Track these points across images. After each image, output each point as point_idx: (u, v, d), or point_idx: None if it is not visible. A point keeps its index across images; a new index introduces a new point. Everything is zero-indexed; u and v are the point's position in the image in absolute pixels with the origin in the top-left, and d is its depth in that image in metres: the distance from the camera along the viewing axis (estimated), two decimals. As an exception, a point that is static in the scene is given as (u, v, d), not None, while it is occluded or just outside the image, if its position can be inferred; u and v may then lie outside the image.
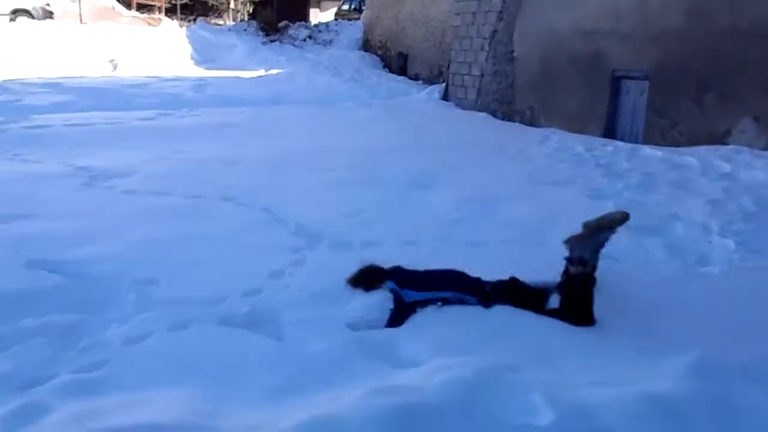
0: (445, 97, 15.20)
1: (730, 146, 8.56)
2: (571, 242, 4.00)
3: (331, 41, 23.84)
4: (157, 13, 34.74)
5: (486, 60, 13.59)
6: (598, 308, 3.99)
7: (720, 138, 8.79)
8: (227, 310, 3.90)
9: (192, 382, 3.07)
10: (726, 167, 7.91)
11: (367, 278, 4.02)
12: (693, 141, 9.05)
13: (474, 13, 13.93)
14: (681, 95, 9.37)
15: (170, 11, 36.81)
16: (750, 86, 8.44)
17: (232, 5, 42.18)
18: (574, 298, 3.86)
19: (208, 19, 36.00)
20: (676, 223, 5.97)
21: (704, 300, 4.31)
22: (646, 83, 10.00)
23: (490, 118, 12.94)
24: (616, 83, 10.64)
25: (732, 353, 3.41)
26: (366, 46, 22.84)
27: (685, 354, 3.45)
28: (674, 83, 9.46)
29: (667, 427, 2.67)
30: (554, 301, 3.93)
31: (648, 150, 9.08)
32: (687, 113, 9.30)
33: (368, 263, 4.09)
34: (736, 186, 7.20)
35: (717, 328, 3.84)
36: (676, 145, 9.22)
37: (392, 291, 3.98)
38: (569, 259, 3.96)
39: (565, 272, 3.95)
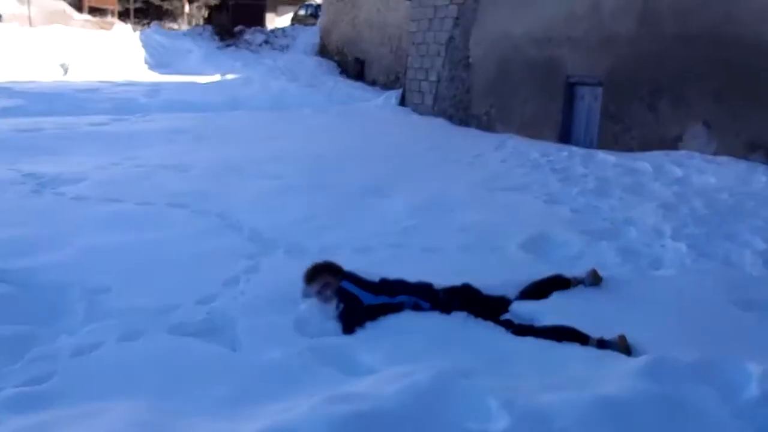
0: (402, 102, 15.26)
1: (682, 151, 8.76)
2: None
3: (287, 46, 23.75)
4: (110, 16, 34.21)
5: (442, 66, 13.68)
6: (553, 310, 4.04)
7: (672, 143, 8.98)
8: (180, 318, 3.82)
9: (143, 393, 3.00)
10: (678, 172, 8.09)
11: (325, 271, 4.07)
12: (646, 146, 9.23)
13: (430, 19, 14.01)
14: (634, 101, 9.55)
15: (123, 15, 36.27)
16: (700, 92, 8.65)
17: (187, 9, 41.69)
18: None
19: (163, 23, 35.50)
20: (629, 227, 6.07)
21: (657, 302, 4.37)
22: (600, 89, 10.18)
23: (446, 123, 13.02)
24: (570, 89, 10.80)
25: (684, 354, 3.47)
26: (323, 51, 22.81)
27: (637, 356, 3.52)
28: (627, 89, 9.64)
29: (620, 429, 2.70)
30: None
31: (602, 155, 9.23)
32: (640, 118, 9.48)
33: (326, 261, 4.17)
34: (688, 190, 7.37)
35: (669, 329, 3.90)
36: (630, 150, 9.39)
37: (347, 291, 3.98)
38: None
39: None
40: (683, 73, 8.84)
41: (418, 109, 14.40)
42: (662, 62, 9.11)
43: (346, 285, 4.05)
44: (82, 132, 10.67)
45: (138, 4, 40.05)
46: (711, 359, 3.42)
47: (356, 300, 3.93)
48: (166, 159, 8.77)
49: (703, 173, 7.90)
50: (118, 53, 21.19)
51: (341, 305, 3.94)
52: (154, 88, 16.42)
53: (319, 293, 4.03)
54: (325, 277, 4.08)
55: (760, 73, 7.92)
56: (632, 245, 5.61)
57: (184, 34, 25.92)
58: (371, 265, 4.75)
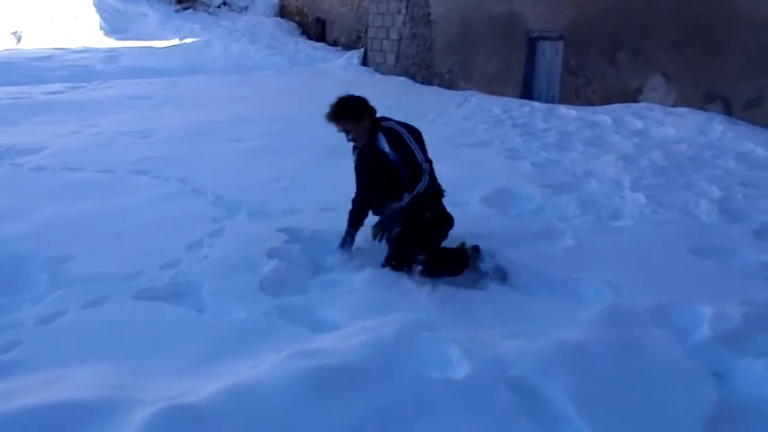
0: (365, 62, 15.16)
1: (642, 103, 8.88)
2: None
3: (246, 8, 23.31)
4: (62, -19, 33.12)
5: (403, 23, 13.59)
6: (516, 263, 4.13)
7: (632, 96, 9.09)
8: (145, 283, 3.82)
9: (110, 357, 3.02)
10: (638, 124, 8.21)
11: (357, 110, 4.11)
12: (607, 99, 9.33)
13: (390, -24, 13.87)
14: (594, 55, 9.62)
15: (76, -21, 35.17)
16: (660, 44, 8.74)
17: (142, -28, 40.59)
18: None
19: (117, -14, 34.53)
20: (590, 180, 6.17)
21: (616, 252, 4.49)
22: (561, 44, 10.22)
23: (409, 82, 12.98)
24: (531, 44, 10.83)
25: (641, 300, 3.58)
26: (283, 12, 22.45)
27: (596, 303, 3.63)
28: (587, 43, 9.70)
29: (578, 372, 2.79)
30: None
31: (563, 109, 9.32)
32: (600, 72, 9.56)
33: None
34: (648, 142, 7.49)
35: (627, 278, 4.01)
36: (591, 103, 9.49)
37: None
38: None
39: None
40: (643, 25, 8.91)
41: (381, 69, 14.32)
42: (622, 15, 9.17)
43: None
44: (37, 101, 10.44)
45: (91, -32, 38.82)
46: (665, 303, 3.55)
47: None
48: (127, 126, 8.65)
49: (662, 125, 8.03)
50: (72, 19, 20.63)
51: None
52: (112, 54, 16.07)
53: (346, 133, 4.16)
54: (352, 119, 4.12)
55: (716, 26, 8.02)
56: (592, 197, 5.71)
57: (140, -3, 25.24)
58: (335, 224, 4.79)
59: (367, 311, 3.27)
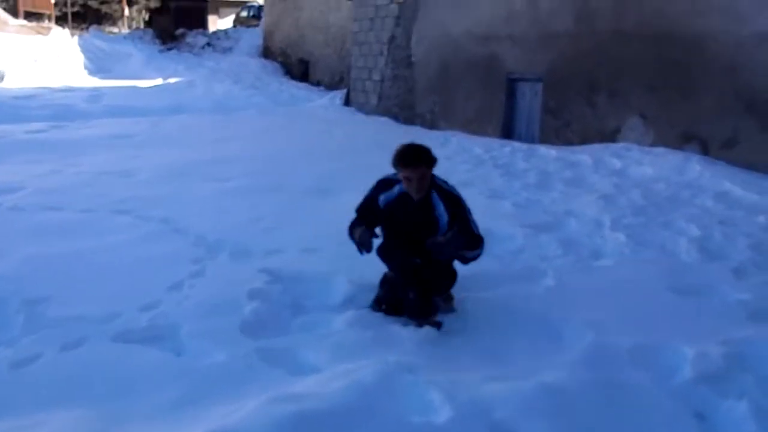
0: (347, 102, 15.30)
1: (621, 143, 9.00)
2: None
3: (230, 48, 23.56)
4: (47, 21, 33.32)
5: (385, 65, 13.76)
6: (497, 304, 4.13)
7: (610, 136, 9.22)
8: (123, 325, 3.77)
9: (85, 401, 2.96)
10: (617, 164, 8.31)
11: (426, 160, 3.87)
12: (586, 139, 9.46)
13: (372, 18, 14.08)
14: (573, 96, 9.77)
15: (61, 19, 35.36)
16: (636, 86, 8.90)
17: (126, 13, 40.90)
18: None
19: (102, 27, 34.78)
20: (570, 219, 6.21)
21: (597, 292, 4.50)
22: (540, 85, 10.38)
23: (391, 122, 13.09)
24: (511, 86, 10.99)
25: (621, 341, 3.59)
26: (266, 53, 22.68)
27: (578, 344, 3.62)
28: (566, 85, 9.86)
29: (561, 414, 2.78)
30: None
31: (543, 150, 9.42)
32: (579, 113, 9.70)
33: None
34: (627, 182, 7.58)
35: (608, 318, 4.02)
36: (570, 143, 9.61)
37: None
38: None
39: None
40: (619, 68, 9.09)
41: (363, 109, 14.45)
42: (599, 58, 9.34)
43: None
44: (18, 140, 10.40)
45: (76, 8, 39.15)
46: (647, 344, 3.55)
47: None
48: (109, 165, 8.62)
49: (640, 164, 8.13)
50: (56, 59, 20.71)
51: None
52: (95, 94, 16.10)
53: (419, 180, 3.84)
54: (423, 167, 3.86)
55: (690, 67, 8.19)
56: (573, 237, 5.75)
57: (125, 37, 25.51)
58: (318, 264, 4.78)
59: (348, 354, 3.24)
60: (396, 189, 3.97)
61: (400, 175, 3.85)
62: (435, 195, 3.90)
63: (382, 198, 4.02)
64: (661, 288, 4.56)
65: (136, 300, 4.11)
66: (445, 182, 4.02)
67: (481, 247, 3.90)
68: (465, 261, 3.95)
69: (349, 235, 4.07)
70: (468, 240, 3.78)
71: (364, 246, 3.91)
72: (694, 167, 7.72)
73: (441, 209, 3.87)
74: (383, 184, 4.05)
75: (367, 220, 4.04)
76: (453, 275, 4.03)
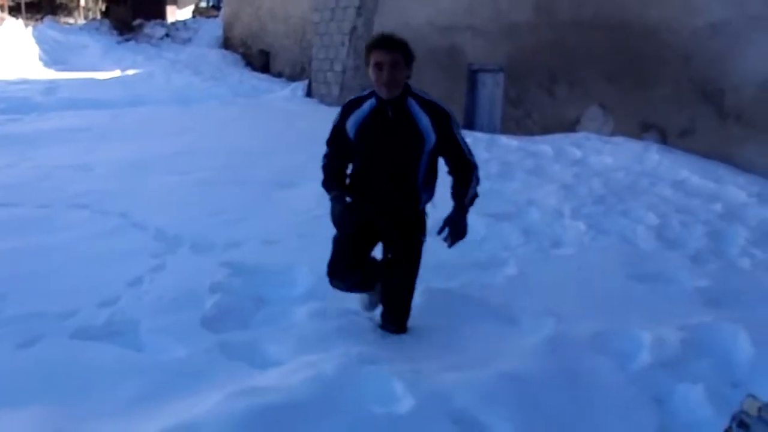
0: (309, 93, 15.22)
1: (581, 133, 9.09)
2: None
3: (190, 39, 23.21)
4: (0, 12, 32.50)
5: (347, 56, 13.70)
6: (458, 293, 4.15)
7: (571, 126, 9.31)
8: (81, 322, 3.70)
9: (43, 399, 2.90)
10: (577, 153, 8.40)
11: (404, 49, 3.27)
12: (546, 129, 9.54)
13: (333, 9, 14.01)
14: (533, 86, 9.84)
15: (14, 10, 34.52)
16: (595, 75, 9.00)
17: (82, 3, 40.08)
18: None
19: (57, 17, 34.02)
20: (532, 209, 6.27)
21: (557, 280, 4.56)
22: (501, 75, 10.43)
23: (354, 113, 13.04)
24: (472, 76, 11.02)
25: (582, 327, 3.63)
26: (227, 44, 22.41)
27: (539, 332, 3.66)
28: (527, 75, 9.92)
29: (523, 402, 2.80)
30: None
31: (505, 140, 9.47)
32: (539, 103, 9.78)
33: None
34: (587, 171, 7.67)
35: (568, 305, 4.08)
36: (531, 133, 9.69)
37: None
38: None
39: None
40: (578, 58, 9.17)
41: (325, 100, 14.38)
42: (558, 49, 9.42)
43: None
44: (-29, 134, 10.14)
45: (30, -2, 38.22)
46: (606, 331, 3.60)
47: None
48: (66, 159, 8.45)
49: (600, 153, 8.24)
50: (9, 50, 20.19)
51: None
52: (51, 86, 15.74)
53: (391, 67, 3.20)
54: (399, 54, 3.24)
55: (647, 57, 8.30)
56: (534, 226, 5.80)
57: (81, 28, 24.97)
58: (279, 256, 4.76)
59: (310, 346, 3.23)
60: (366, 105, 3.35)
61: (371, 65, 3.24)
62: (413, 102, 3.29)
63: (351, 122, 3.36)
64: (620, 275, 4.63)
65: (95, 296, 4.04)
66: (426, 93, 3.40)
67: (477, 179, 3.51)
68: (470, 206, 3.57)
69: (324, 183, 3.55)
70: (468, 184, 3.46)
71: (341, 228, 3.44)
72: (653, 156, 7.84)
73: (425, 123, 3.27)
74: (350, 105, 3.41)
75: (339, 153, 3.50)
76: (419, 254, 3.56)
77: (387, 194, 3.43)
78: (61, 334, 3.57)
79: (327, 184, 3.54)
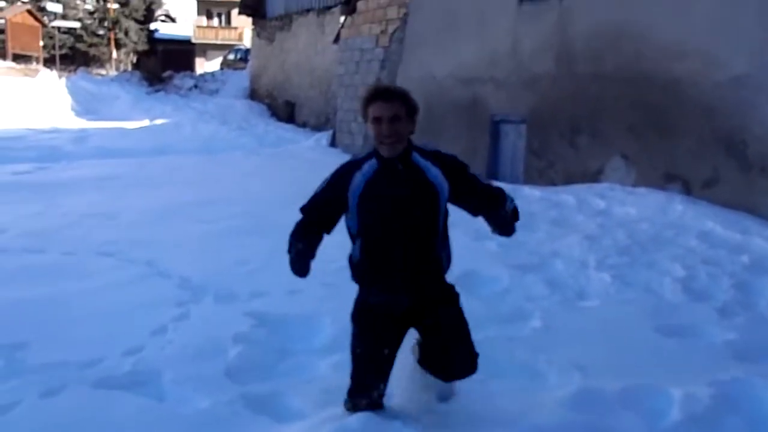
0: (333, 143, 15.37)
1: (604, 183, 9.05)
2: None
3: (217, 90, 23.72)
4: (35, 63, 33.50)
5: (371, 107, 13.88)
6: (483, 346, 4.10)
7: (594, 176, 9.28)
8: (105, 371, 3.71)
9: (65, 450, 2.91)
10: (601, 204, 8.35)
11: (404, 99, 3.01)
12: (569, 179, 9.52)
13: (357, 62, 14.24)
14: (556, 137, 9.87)
15: (49, 61, 35.60)
16: (617, 127, 9.01)
17: (114, 55, 41.24)
18: None
19: (90, 69, 35.00)
20: (555, 260, 6.21)
21: (583, 332, 4.49)
22: (524, 126, 10.48)
23: (378, 163, 13.14)
24: (495, 127, 11.09)
25: (609, 382, 3.57)
26: (253, 95, 22.85)
27: (567, 386, 3.60)
28: (549, 126, 9.96)
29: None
30: None
31: (528, 190, 9.46)
32: (562, 154, 9.79)
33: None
34: (611, 221, 7.60)
35: (595, 359, 4.00)
36: (553, 184, 9.66)
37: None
38: None
39: None
40: (599, 109, 9.20)
41: (349, 149, 14.51)
42: (580, 100, 9.46)
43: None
44: (3, 181, 10.36)
45: (64, 51, 39.42)
46: (634, 386, 3.53)
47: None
48: (94, 207, 8.59)
49: (624, 204, 8.18)
50: (43, 100, 20.77)
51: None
52: (81, 135, 16.11)
53: (391, 121, 2.92)
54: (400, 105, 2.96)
55: (668, 108, 8.31)
56: (559, 277, 5.75)
57: (112, 79, 25.66)
58: (303, 306, 4.75)
59: (333, 399, 3.20)
60: (367, 167, 3.02)
61: (369, 119, 2.96)
62: (418, 156, 3.03)
63: (355, 183, 3.00)
64: (647, 328, 4.56)
65: (119, 345, 4.06)
66: (425, 144, 3.18)
67: (510, 198, 3.23)
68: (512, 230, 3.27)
69: (288, 247, 3.16)
70: (504, 200, 3.18)
71: (297, 272, 3.12)
72: (677, 207, 7.77)
73: (435, 173, 2.99)
74: (347, 170, 3.06)
75: (318, 222, 3.15)
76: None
77: (409, 264, 3.00)
78: (84, 383, 3.58)
79: (295, 236, 3.13)
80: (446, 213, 3.11)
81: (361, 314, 3.14)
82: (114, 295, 5.07)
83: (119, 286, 5.33)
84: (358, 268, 3.14)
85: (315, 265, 5.00)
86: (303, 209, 3.18)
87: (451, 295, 3.21)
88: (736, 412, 3.28)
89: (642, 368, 3.87)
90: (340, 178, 3.06)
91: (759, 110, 7.37)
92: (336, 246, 6.21)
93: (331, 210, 3.11)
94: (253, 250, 6.36)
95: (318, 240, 3.15)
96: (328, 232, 3.17)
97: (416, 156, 3.04)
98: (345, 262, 6.04)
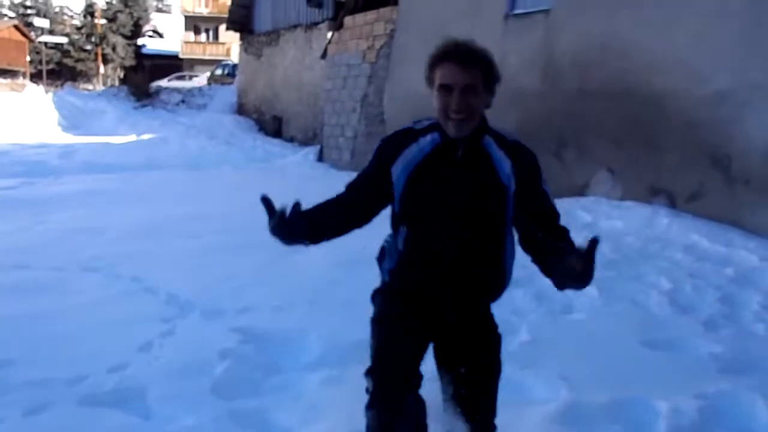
0: (321, 158, 15.41)
1: (590, 197, 9.11)
2: None
3: (205, 105, 23.71)
4: (21, 78, 33.42)
5: (358, 122, 13.92)
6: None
7: (580, 190, 9.34)
8: (90, 388, 3.68)
9: (49, 469, 2.88)
10: (587, 217, 8.39)
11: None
12: (556, 193, 9.44)
13: (345, 77, 14.30)
14: (542, 151, 9.79)
15: (36, 76, 35.52)
16: (603, 141, 9.08)
17: (102, 70, 41.18)
18: None
19: (77, 84, 34.94)
20: (543, 275, 6.22)
21: (569, 346, 4.50)
22: (510, 141, 10.53)
23: (365, 177, 13.17)
24: (482, 142, 11.15)
25: (596, 396, 3.58)
26: (241, 109, 22.87)
27: (554, 400, 3.61)
28: (535, 141, 9.93)
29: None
30: None
31: (515, 204, 9.50)
32: (548, 168, 9.77)
33: None
34: (597, 235, 7.63)
35: (581, 372, 4.01)
36: (541, 198, 9.71)
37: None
38: None
39: None
40: (585, 124, 9.28)
41: (337, 165, 14.55)
42: (566, 115, 9.54)
43: None
44: (-13, 197, 10.30)
45: (51, 66, 39.35)
46: (621, 399, 3.55)
47: None
48: (80, 222, 8.55)
49: (610, 218, 8.23)
50: (30, 115, 20.68)
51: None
52: (68, 150, 16.05)
53: (463, 92, 2.27)
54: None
55: (653, 122, 8.39)
56: (545, 291, 5.75)
57: (99, 94, 25.63)
58: (290, 322, 4.74)
59: (321, 414, 3.20)
60: (426, 141, 2.40)
61: (435, 85, 2.33)
62: (492, 143, 2.40)
63: (400, 162, 2.38)
64: (633, 341, 4.58)
65: (104, 361, 4.02)
66: (507, 130, 2.50)
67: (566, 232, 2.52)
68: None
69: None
70: (567, 233, 2.49)
71: (279, 235, 2.48)
72: (662, 220, 7.83)
73: (506, 168, 2.37)
74: (397, 141, 2.44)
75: (356, 203, 2.54)
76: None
77: (462, 273, 2.41)
78: (69, 400, 3.54)
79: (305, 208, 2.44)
80: (546, 211, 2.52)
81: (386, 295, 2.54)
82: (100, 311, 5.04)
83: (105, 301, 5.30)
84: (399, 263, 2.46)
85: (303, 283, 5.01)
86: (348, 185, 2.56)
87: (495, 338, 2.66)
88: (722, 425, 3.30)
89: (628, 381, 3.88)
90: (387, 151, 2.41)
91: (742, 124, 7.45)
92: (322, 261, 6.25)
93: (377, 189, 2.44)
94: (240, 266, 6.35)
95: (335, 217, 2.52)
96: (364, 220, 2.52)
97: (489, 142, 2.38)
98: (333, 276, 6.11)
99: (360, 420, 2.99)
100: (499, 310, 5.15)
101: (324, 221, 2.51)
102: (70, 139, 18.83)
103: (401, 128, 2.48)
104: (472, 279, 2.43)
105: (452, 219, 2.34)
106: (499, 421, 3.25)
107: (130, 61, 41.77)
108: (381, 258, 2.61)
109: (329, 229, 2.55)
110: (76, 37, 41.79)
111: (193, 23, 51.47)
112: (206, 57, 48.52)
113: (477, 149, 2.36)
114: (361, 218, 2.53)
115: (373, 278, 5.18)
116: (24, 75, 34.89)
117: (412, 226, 2.40)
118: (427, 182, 2.33)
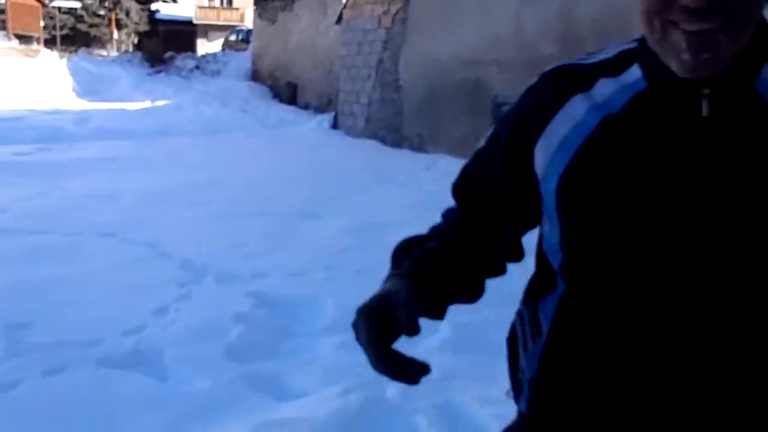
0: (335, 125, 15.34)
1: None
2: None
3: (219, 71, 23.61)
4: (36, 44, 33.40)
5: (373, 88, 13.82)
6: (491, 325, 4.10)
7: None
8: (106, 350, 3.72)
9: (67, 429, 2.92)
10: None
11: None
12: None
13: (360, 42, 14.16)
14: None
15: (50, 42, 35.48)
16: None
17: (115, 36, 41.06)
18: None
19: (91, 50, 34.87)
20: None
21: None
22: (526, 109, 10.44)
23: (379, 145, 13.12)
24: (497, 109, 11.03)
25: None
26: (255, 76, 22.75)
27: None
28: (552, 109, 9.92)
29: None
30: None
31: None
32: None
33: None
34: None
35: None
36: (556, 166, 9.65)
37: None
38: None
39: None
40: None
41: (351, 132, 14.48)
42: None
43: None
44: (4, 162, 10.36)
45: (65, 31, 39.30)
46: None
47: None
48: (96, 188, 8.58)
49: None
50: (44, 81, 20.70)
51: None
52: (83, 116, 16.08)
53: None
54: None
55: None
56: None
57: (113, 60, 25.59)
58: (304, 288, 4.76)
59: (335, 378, 3.21)
60: (614, 87, 1.08)
61: None
62: None
63: (552, 131, 1.06)
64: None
65: (121, 325, 4.06)
66: None
67: None
68: None
69: (395, 251, 1.20)
70: None
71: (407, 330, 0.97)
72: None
73: None
74: (550, 89, 1.14)
75: (476, 216, 1.21)
76: None
77: (709, 391, 0.97)
78: (86, 362, 3.59)
79: (398, 253, 1.19)
80: None
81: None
82: (115, 276, 5.08)
83: (121, 266, 5.33)
84: (545, 366, 1.13)
85: (317, 249, 4.98)
86: (454, 185, 1.31)
87: None
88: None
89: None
90: (525, 113, 1.16)
91: None
92: (335, 229, 6.25)
93: (497, 195, 1.19)
94: (254, 232, 6.37)
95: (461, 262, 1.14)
96: (487, 247, 1.22)
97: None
98: (346, 243, 6.18)
99: (375, 383, 3.02)
100: (512, 278, 5.18)
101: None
102: (84, 105, 18.85)
103: (558, 65, 1.17)
104: (727, 403, 0.99)
105: (685, 264, 0.95)
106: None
107: (144, 27, 41.58)
108: (512, 356, 1.26)
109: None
110: (89, 2, 41.57)
111: (207, -12, 51.17)
112: (220, 23, 48.25)
113: (745, 102, 0.96)
114: (487, 241, 1.24)
115: (387, 245, 5.13)
116: (38, 41, 34.85)
117: (582, 276, 1.08)
118: (620, 176, 0.99)
